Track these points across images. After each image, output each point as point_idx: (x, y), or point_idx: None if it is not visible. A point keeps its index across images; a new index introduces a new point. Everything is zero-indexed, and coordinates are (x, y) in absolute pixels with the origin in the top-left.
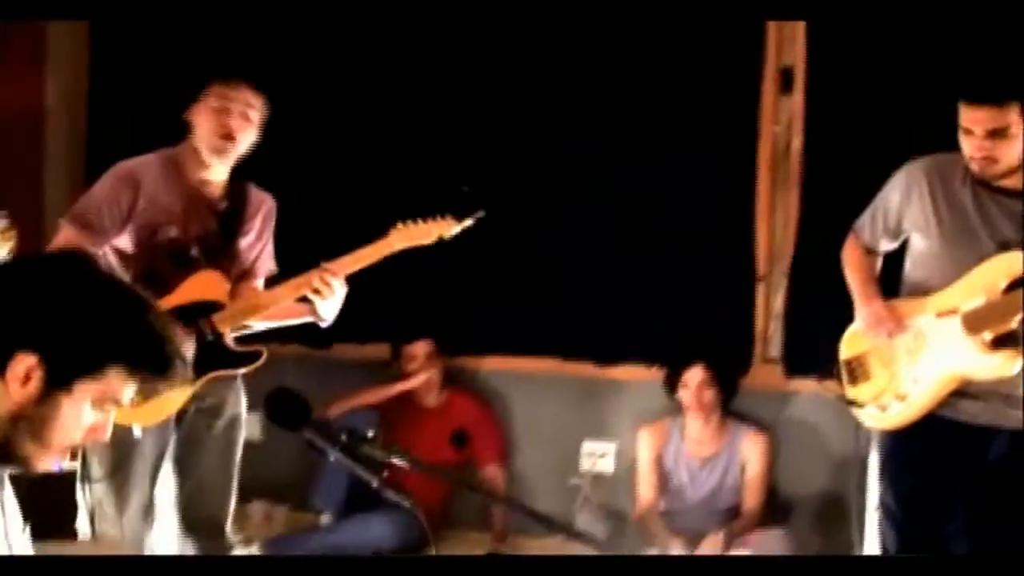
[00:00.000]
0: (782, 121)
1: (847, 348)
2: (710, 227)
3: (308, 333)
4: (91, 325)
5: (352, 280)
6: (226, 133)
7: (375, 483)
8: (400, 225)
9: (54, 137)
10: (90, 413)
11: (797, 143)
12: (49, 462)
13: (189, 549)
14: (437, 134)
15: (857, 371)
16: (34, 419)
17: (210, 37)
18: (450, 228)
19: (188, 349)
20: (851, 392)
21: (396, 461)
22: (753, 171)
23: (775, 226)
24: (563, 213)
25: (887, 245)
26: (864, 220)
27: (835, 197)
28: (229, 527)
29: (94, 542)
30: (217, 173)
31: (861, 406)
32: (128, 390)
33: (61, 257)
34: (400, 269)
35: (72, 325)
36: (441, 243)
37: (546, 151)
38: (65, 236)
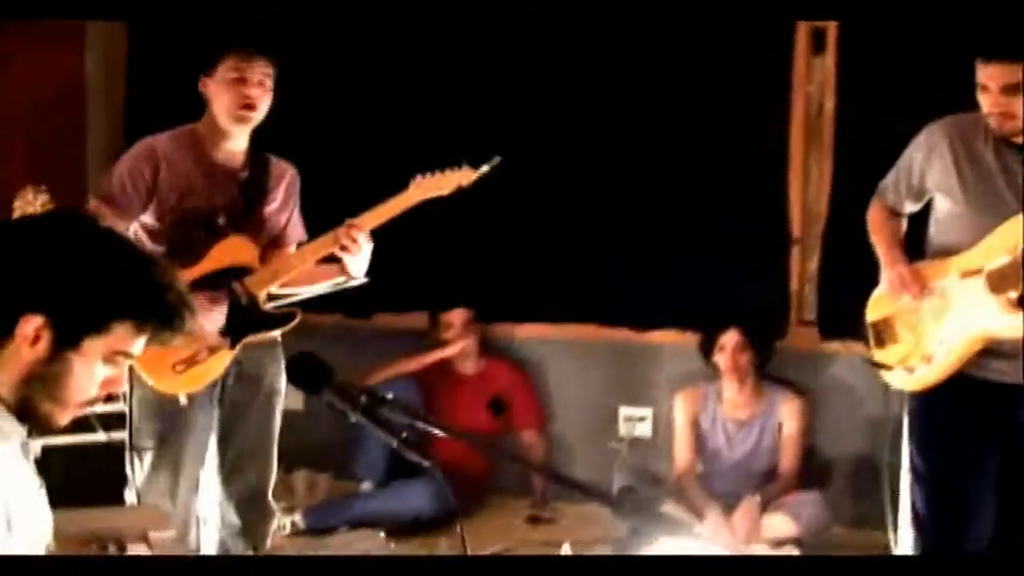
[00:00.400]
0: (815, 82)
1: (873, 311)
2: (744, 190)
3: (348, 303)
4: (94, 283)
5: (391, 250)
6: (246, 103)
7: (394, 443)
8: (419, 177)
9: (94, 113)
10: (102, 368)
11: (830, 104)
12: (68, 418)
13: (231, 517)
14: (460, 92)
15: (884, 334)
16: (47, 377)
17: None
18: (468, 177)
19: (219, 312)
20: (878, 355)
21: (418, 423)
22: (786, 133)
23: (808, 188)
24: (597, 181)
25: (911, 207)
26: (888, 182)
27: (869, 158)
28: (271, 495)
29: (142, 509)
30: (237, 143)
31: (888, 369)
32: (138, 343)
33: (60, 217)
34: (437, 238)
35: (75, 284)
36: (461, 192)
37: (579, 119)
38: (90, 209)
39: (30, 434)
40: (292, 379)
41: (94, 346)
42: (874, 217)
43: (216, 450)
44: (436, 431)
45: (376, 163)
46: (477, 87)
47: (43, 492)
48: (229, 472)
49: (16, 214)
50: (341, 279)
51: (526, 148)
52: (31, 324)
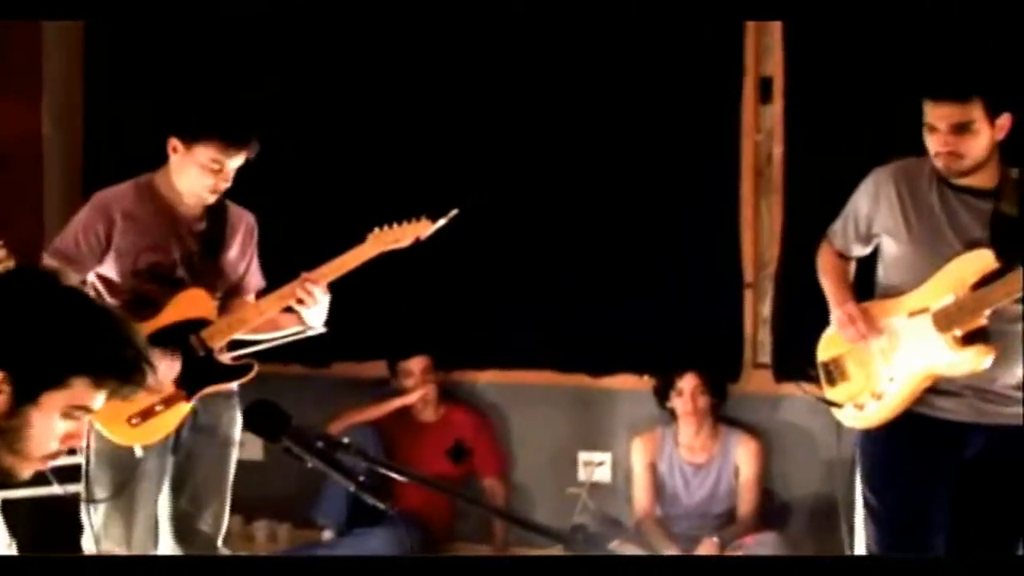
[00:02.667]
0: (763, 130)
1: (824, 350)
2: (697, 236)
3: (307, 352)
4: (53, 339)
5: (349, 299)
6: (216, 191)
7: (352, 487)
8: (377, 230)
9: (51, 164)
10: (61, 423)
11: (778, 151)
12: (29, 471)
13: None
14: (417, 144)
15: (834, 373)
16: (7, 431)
17: (193, 56)
18: (425, 229)
19: (176, 366)
20: (829, 393)
21: (376, 467)
22: (737, 180)
23: (760, 233)
24: (551, 229)
25: (859, 251)
26: (836, 227)
27: (818, 203)
28: (221, 543)
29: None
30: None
31: (839, 406)
32: (98, 398)
33: (20, 274)
34: (395, 286)
35: (35, 340)
36: (418, 245)
37: (532, 164)
38: (44, 266)
39: None
40: (250, 427)
41: (53, 400)
42: (823, 260)
43: (169, 497)
44: (394, 475)
45: (334, 213)
46: (432, 136)
47: (13, 548)
48: (180, 519)
49: None
50: (299, 328)
51: (481, 196)
52: None
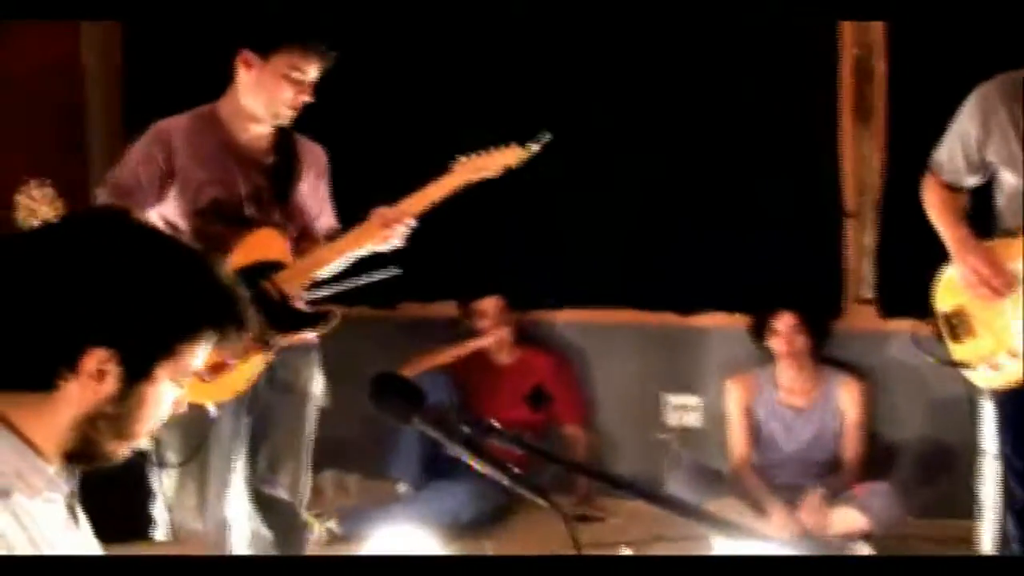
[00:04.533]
0: (864, 44)
1: (943, 300)
2: (792, 161)
3: (374, 294)
4: (162, 302)
5: (416, 235)
6: (296, 107)
7: (506, 481)
8: (463, 159)
9: (93, 95)
10: (171, 391)
11: (880, 68)
12: (128, 452)
13: (263, 531)
14: (504, 75)
15: (959, 328)
16: (117, 416)
17: None
18: (516, 156)
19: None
20: (956, 352)
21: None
22: (835, 100)
23: (862, 157)
24: (639, 157)
25: (972, 181)
26: (942, 157)
27: (923, 124)
28: (304, 505)
29: (175, 543)
30: (263, 127)
31: (970, 367)
32: (203, 354)
33: (94, 221)
34: (466, 221)
35: (135, 303)
36: (509, 172)
37: (621, 94)
38: (103, 203)
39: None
40: (379, 406)
41: (166, 371)
42: (931, 196)
43: (246, 461)
44: (541, 457)
45: (407, 142)
46: (514, 66)
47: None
48: (259, 484)
49: (22, 213)
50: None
51: (562, 125)
52: (95, 359)
